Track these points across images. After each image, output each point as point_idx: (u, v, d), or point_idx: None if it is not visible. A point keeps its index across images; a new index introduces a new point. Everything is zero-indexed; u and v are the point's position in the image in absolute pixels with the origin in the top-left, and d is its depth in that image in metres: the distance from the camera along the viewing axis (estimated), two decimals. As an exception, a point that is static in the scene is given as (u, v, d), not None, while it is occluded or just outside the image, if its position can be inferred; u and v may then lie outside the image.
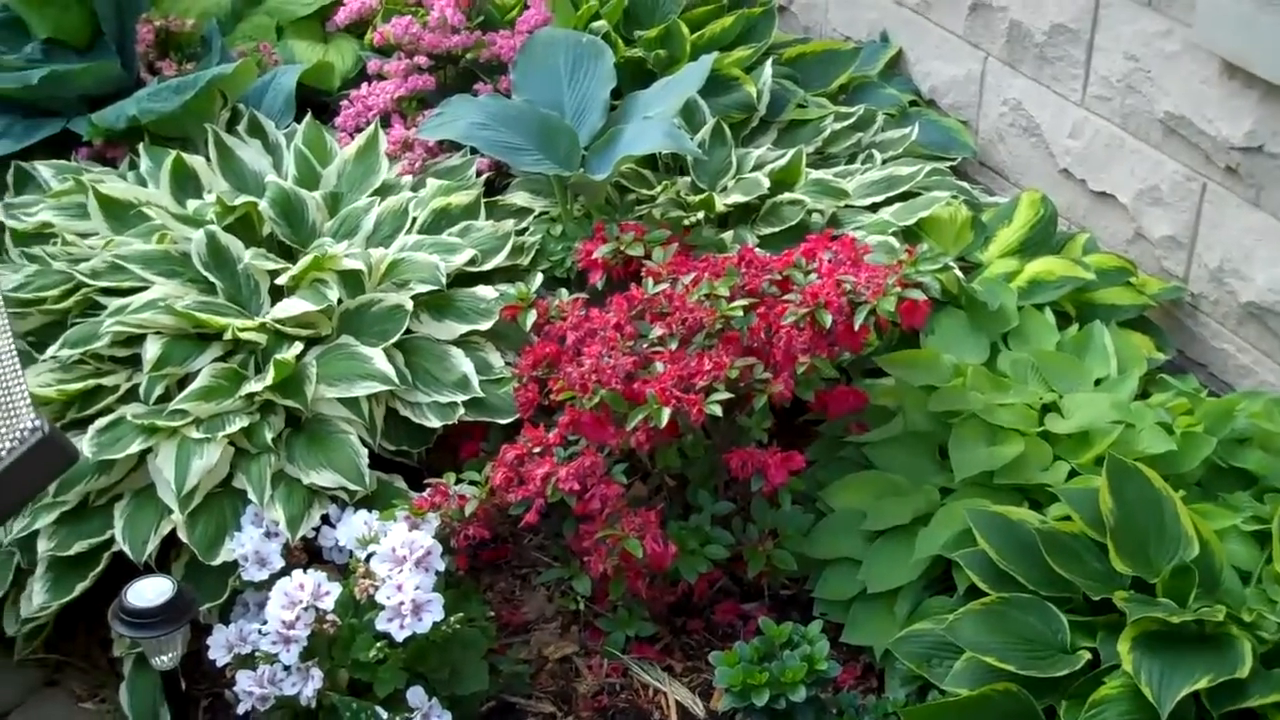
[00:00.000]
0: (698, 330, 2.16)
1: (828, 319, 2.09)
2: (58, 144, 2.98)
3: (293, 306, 2.31)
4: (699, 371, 2.07)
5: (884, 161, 2.93)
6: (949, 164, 3.00)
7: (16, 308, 2.41)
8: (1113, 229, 2.75)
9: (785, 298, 2.16)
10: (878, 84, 3.23)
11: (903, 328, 2.26)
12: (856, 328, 2.10)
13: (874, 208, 2.76)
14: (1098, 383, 2.39)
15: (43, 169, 2.77)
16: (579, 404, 2.07)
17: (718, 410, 2.04)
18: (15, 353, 1.74)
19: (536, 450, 2.10)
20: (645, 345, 2.17)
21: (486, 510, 2.13)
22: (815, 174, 2.82)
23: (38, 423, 1.62)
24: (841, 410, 2.32)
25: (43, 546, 2.12)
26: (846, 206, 2.77)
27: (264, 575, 2.08)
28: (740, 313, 2.13)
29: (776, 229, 2.69)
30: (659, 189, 2.79)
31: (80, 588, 2.11)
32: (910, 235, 2.67)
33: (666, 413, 2.03)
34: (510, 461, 2.10)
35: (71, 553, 2.12)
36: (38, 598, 2.12)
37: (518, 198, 2.79)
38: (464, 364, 2.33)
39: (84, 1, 3.12)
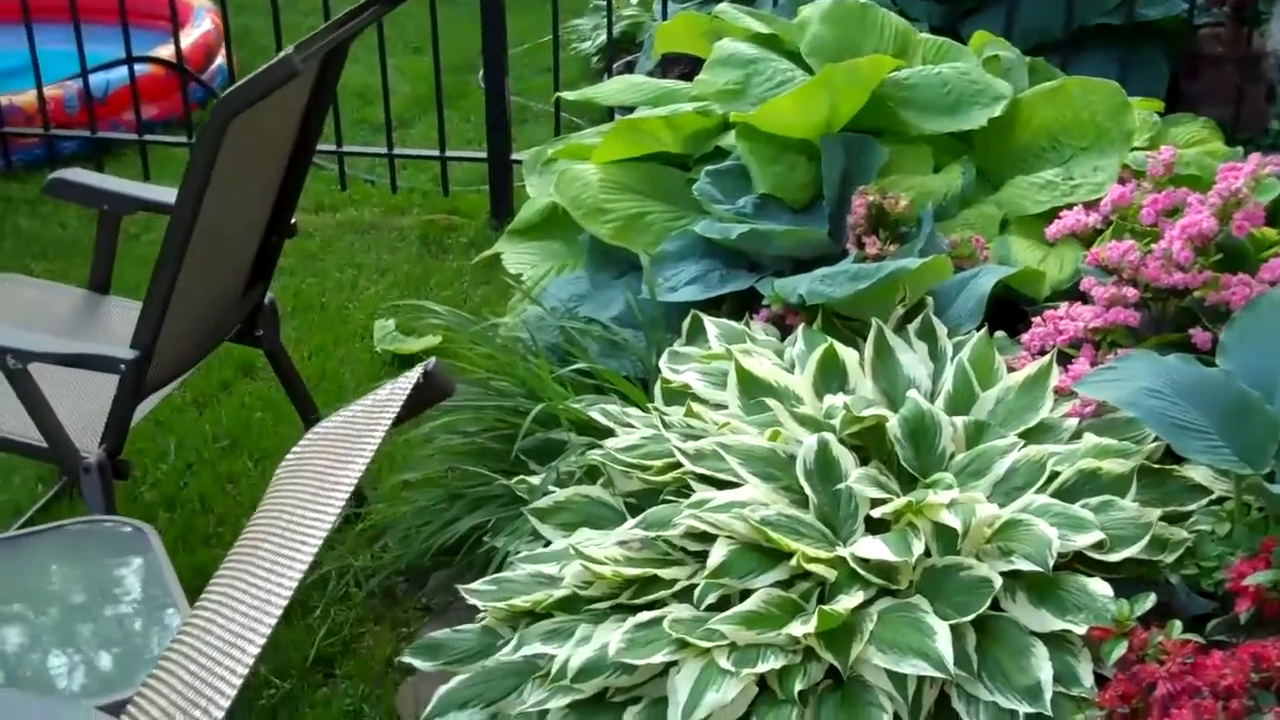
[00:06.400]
0: (1328, 731, 1.67)
1: None
2: (746, 298, 2.95)
3: (871, 549, 2.07)
4: (1306, 792, 1.59)
5: None
6: None
7: (624, 466, 2.38)
8: None
9: None
10: None
11: None
12: None
13: None
14: None
15: (710, 326, 2.73)
16: (1141, 779, 1.67)
17: None
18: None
19: (1073, 816, 1.73)
20: (1253, 729, 1.71)
21: None
22: None
23: None
24: None
25: (550, 730, 2.05)
26: None
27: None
28: (1387, 732, 1.62)
29: None
30: (1383, 505, 2.25)
31: (574, 783, 2.02)
32: None
33: (1244, 832, 1.58)
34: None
35: (576, 743, 2.03)
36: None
37: (1197, 473, 2.34)
38: (1043, 668, 1.95)
39: (813, 162, 3.08)
